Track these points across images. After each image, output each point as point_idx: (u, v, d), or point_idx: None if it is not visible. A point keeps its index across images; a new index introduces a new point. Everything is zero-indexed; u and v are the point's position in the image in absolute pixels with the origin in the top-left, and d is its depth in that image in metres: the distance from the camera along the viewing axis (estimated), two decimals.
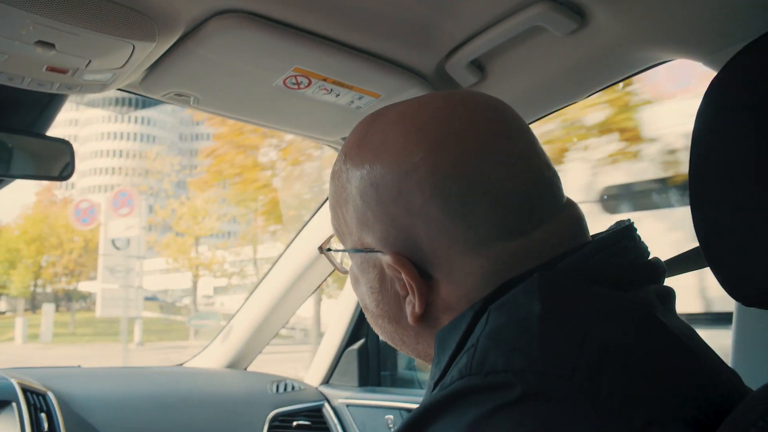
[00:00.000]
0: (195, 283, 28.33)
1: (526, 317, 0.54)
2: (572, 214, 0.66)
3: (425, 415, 0.53)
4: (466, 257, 0.62)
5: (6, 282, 33.04)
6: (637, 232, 0.65)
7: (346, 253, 0.74)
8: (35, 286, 34.04)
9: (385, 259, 0.65)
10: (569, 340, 0.51)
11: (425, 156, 0.62)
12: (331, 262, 0.83)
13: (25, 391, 1.39)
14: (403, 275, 0.63)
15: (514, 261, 0.61)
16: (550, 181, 0.65)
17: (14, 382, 1.39)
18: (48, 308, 22.66)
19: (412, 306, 0.65)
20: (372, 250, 0.67)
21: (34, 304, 35.04)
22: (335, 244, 0.79)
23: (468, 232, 0.62)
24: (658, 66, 1.12)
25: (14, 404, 1.33)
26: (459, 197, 0.61)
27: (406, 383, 2.08)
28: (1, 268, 32.17)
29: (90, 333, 24.86)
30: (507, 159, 0.63)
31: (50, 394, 1.44)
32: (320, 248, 0.81)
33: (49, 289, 35.95)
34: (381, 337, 0.75)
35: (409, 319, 0.66)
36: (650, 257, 0.65)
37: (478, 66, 1.20)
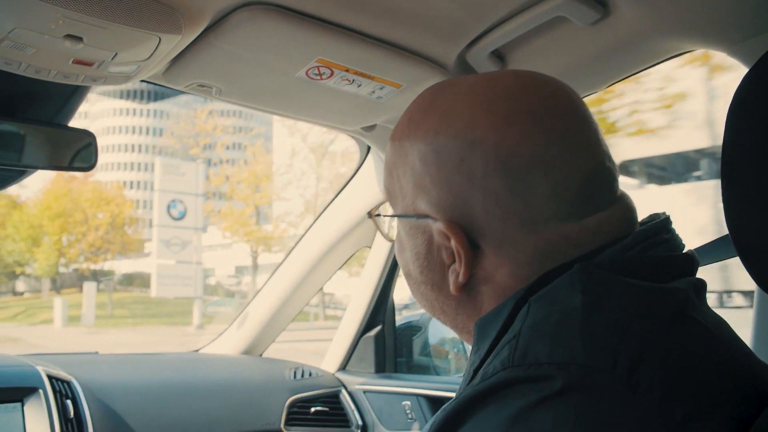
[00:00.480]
0: (255, 260, 25.62)
1: (567, 309, 0.55)
2: (625, 205, 0.67)
3: (468, 404, 0.54)
4: (519, 233, 0.63)
5: (29, 261, 31.20)
6: (673, 225, 0.66)
7: (394, 220, 0.75)
8: (61, 265, 32.11)
9: (437, 225, 0.66)
10: (610, 333, 0.52)
11: (493, 130, 0.63)
12: (378, 228, 0.84)
13: (51, 378, 1.41)
14: (453, 242, 0.65)
15: (565, 244, 0.63)
16: (610, 171, 0.66)
17: (40, 369, 1.41)
18: (89, 288, 20.63)
19: (456, 275, 0.66)
20: (425, 216, 0.68)
21: (60, 285, 33.33)
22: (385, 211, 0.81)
23: (525, 209, 0.63)
24: (681, 56, 1.12)
25: (41, 391, 1.35)
26: (521, 174, 0.62)
27: (422, 370, 2.10)
28: (23, 246, 30.48)
29: (127, 315, 23.48)
30: (573, 144, 0.64)
31: (74, 381, 1.47)
32: (369, 214, 0.84)
33: (72, 268, 34.00)
34: (421, 306, 0.76)
35: (452, 288, 0.67)
36: (685, 250, 0.66)
37: (499, 56, 1.20)
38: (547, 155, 0.63)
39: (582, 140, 0.65)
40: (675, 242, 0.65)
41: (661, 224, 0.65)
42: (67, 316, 19.77)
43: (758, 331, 1.13)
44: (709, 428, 0.49)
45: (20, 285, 36.39)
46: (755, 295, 1.16)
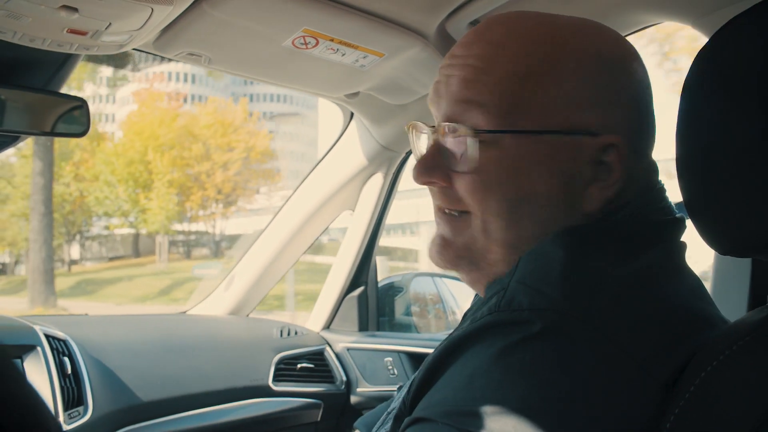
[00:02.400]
0: None
1: (549, 264, 0.63)
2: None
3: (458, 343, 0.62)
4: (640, 160, 0.71)
5: (132, 212, 21.51)
6: (666, 193, 0.74)
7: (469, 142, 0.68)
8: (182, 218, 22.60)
9: (599, 140, 0.67)
10: (586, 286, 0.60)
11: (639, 63, 0.72)
12: (440, 150, 0.72)
13: (48, 336, 1.46)
14: (621, 157, 0.67)
15: (643, 176, 0.72)
16: None
17: (37, 328, 1.46)
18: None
19: (604, 191, 0.68)
20: (579, 131, 0.67)
21: (187, 248, 24.20)
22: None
23: (646, 137, 0.72)
24: (647, 29, 1.18)
25: (39, 348, 1.41)
26: (650, 105, 0.72)
27: (403, 328, 2.18)
28: (123, 192, 20.89)
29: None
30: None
31: (70, 340, 1.52)
32: (437, 128, 0.72)
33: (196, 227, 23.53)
34: (507, 234, 0.69)
35: (594, 204, 0.68)
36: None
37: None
38: (651, 96, 0.73)
39: None
40: (670, 209, 0.73)
41: (657, 193, 0.73)
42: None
43: (716, 287, 1.21)
44: (664, 368, 0.58)
45: (111, 247, 26.21)
46: (714, 257, 1.24)
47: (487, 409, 0.55)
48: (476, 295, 0.81)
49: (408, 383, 0.75)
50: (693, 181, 0.70)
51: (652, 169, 0.74)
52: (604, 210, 0.69)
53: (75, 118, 1.32)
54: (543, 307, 0.59)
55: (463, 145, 0.69)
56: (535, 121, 0.67)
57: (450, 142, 0.71)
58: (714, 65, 0.69)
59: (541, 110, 0.67)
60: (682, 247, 0.72)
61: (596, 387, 0.55)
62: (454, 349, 0.62)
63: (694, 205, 0.70)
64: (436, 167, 0.72)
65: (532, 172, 0.67)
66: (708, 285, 1.23)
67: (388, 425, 0.79)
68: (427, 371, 0.64)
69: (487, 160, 0.68)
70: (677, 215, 0.72)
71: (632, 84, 0.70)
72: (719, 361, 0.56)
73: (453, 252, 0.74)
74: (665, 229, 0.70)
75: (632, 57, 0.71)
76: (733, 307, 1.18)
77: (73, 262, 23.96)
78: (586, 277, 0.61)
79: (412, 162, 1.39)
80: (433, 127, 0.74)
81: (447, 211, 0.74)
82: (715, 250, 0.70)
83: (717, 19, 1.07)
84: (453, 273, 2.27)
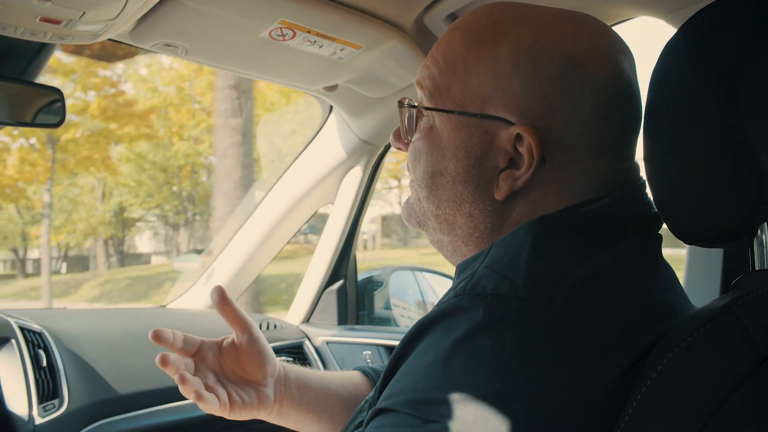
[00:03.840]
0: None
1: (518, 251, 0.63)
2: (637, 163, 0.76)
3: (422, 328, 0.62)
4: (586, 158, 0.70)
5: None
6: (647, 189, 0.74)
7: (414, 114, 0.78)
8: None
9: (511, 129, 0.68)
10: (551, 275, 0.61)
11: (594, 57, 0.69)
12: (401, 120, 0.81)
13: (22, 329, 1.45)
14: (530, 147, 0.67)
15: (609, 180, 0.71)
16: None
17: (11, 320, 1.45)
18: None
19: (512, 179, 0.69)
20: (494, 117, 0.70)
21: None
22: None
23: (598, 136, 0.70)
24: (621, 23, 1.19)
25: (13, 341, 1.39)
26: (608, 104, 0.69)
27: (382, 321, 2.19)
28: None
29: None
30: (637, 91, 0.73)
31: (46, 333, 1.51)
32: (400, 102, 0.80)
33: None
34: (431, 206, 0.77)
35: (500, 193, 0.70)
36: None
37: (455, 20, 1.26)
38: (625, 93, 0.71)
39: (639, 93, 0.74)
40: (649, 205, 0.73)
41: (638, 189, 0.73)
42: None
43: (688, 276, 1.23)
44: (625, 356, 0.59)
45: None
46: (687, 248, 1.26)
47: (448, 397, 0.55)
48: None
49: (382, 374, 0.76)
50: (660, 172, 0.71)
51: (634, 168, 0.75)
52: (575, 203, 0.70)
53: (51, 108, 1.32)
54: (505, 294, 0.59)
55: (405, 119, 0.80)
56: (456, 103, 0.72)
57: (402, 117, 0.81)
58: (681, 56, 0.70)
59: (461, 96, 0.72)
60: (658, 240, 0.72)
61: (556, 375, 0.56)
62: (416, 334, 0.63)
63: (661, 196, 0.71)
64: (400, 137, 0.83)
65: (447, 149, 0.73)
66: (681, 274, 1.25)
67: (363, 414, 0.80)
68: (394, 357, 0.65)
69: (421, 134, 0.77)
70: (655, 211, 0.73)
71: (577, 80, 0.68)
72: (680, 348, 0.57)
73: (408, 212, 0.83)
74: (639, 222, 0.71)
75: (598, 57, 0.69)
76: (705, 296, 1.19)
77: None
78: (552, 266, 0.62)
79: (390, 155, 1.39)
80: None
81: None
82: (682, 240, 0.71)
83: (689, 13, 1.08)
84: (432, 267, 2.29)
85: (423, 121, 0.77)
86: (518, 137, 0.68)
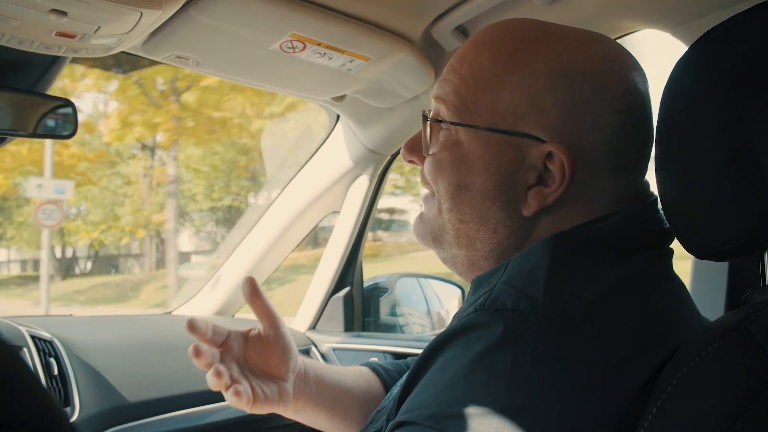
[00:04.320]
0: None
1: (536, 267, 0.64)
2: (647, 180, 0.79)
3: (442, 343, 0.63)
4: (609, 176, 0.73)
5: None
6: (659, 205, 0.76)
7: (441, 129, 0.77)
8: None
9: (544, 147, 0.70)
10: (568, 291, 0.62)
11: (622, 79, 0.72)
12: (423, 133, 0.80)
13: (34, 337, 1.46)
14: (566, 167, 0.69)
15: (623, 197, 0.73)
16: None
17: (23, 329, 1.46)
18: None
19: (542, 196, 0.71)
20: (525, 134, 0.71)
21: None
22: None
23: (620, 156, 0.72)
24: (627, 36, 1.21)
25: (26, 350, 1.41)
26: (631, 125, 0.72)
27: (388, 328, 2.19)
28: None
29: None
30: (650, 113, 0.76)
31: (56, 341, 1.52)
32: (425, 116, 0.80)
33: None
34: (454, 221, 0.76)
35: (530, 208, 0.72)
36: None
37: (463, 32, 1.28)
38: (641, 111, 0.73)
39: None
40: (660, 220, 0.75)
41: (650, 205, 0.75)
42: None
43: (694, 290, 1.24)
44: (641, 370, 0.60)
45: None
46: (692, 260, 1.27)
47: (469, 412, 0.56)
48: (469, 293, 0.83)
49: (398, 383, 0.77)
50: (671, 188, 0.72)
51: (645, 183, 0.77)
52: (589, 220, 0.71)
53: (63, 119, 1.33)
54: (525, 309, 0.60)
55: (431, 132, 0.79)
56: (484, 120, 0.73)
57: (425, 130, 0.80)
58: (693, 72, 0.72)
59: (490, 111, 0.72)
60: (669, 254, 0.74)
61: (576, 389, 0.57)
62: (437, 348, 0.64)
63: (671, 211, 0.72)
64: (414, 149, 0.83)
65: (475, 164, 0.74)
66: (687, 287, 1.26)
67: (378, 423, 0.80)
68: (413, 371, 0.65)
69: (442, 147, 0.76)
70: (666, 226, 0.74)
71: (605, 102, 0.71)
72: (695, 362, 0.58)
73: (423, 227, 0.83)
74: (651, 237, 0.72)
75: (620, 78, 0.72)
76: (711, 309, 1.21)
77: None
78: (569, 282, 0.63)
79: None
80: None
81: (426, 190, 0.82)
82: (693, 254, 0.72)
83: (695, 27, 1.10)
84: (437, 274, 2.30)
85: (443, 134, 0.77)
86: (549, 155, 0.70)
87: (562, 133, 0.70)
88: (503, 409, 0.55)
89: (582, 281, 0.63)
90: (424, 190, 0.83)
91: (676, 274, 0.73)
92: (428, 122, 0.79)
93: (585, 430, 0.56)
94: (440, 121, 0.77)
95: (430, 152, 0.79)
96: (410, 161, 0.84)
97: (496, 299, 0.62)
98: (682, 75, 0.73)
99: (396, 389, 0.82)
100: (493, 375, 0.57)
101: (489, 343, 0.59)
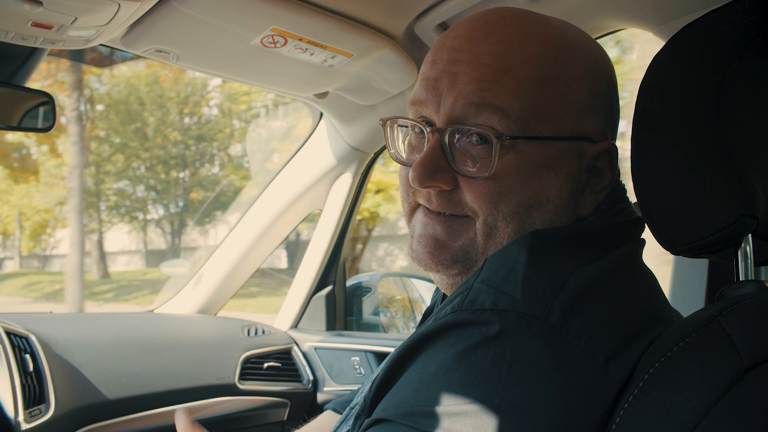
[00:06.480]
0: None
1: (514, 266, 0.63)
2: None
3: (420, 342, 0.62)
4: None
5: None
6: (627, 194, 0.77)
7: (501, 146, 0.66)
8: None
9: (599, 146, 0.71)
10: (547, 288, 0.61)
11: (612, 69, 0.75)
12: (493, 151, 0.67)
13: (9, 333, 1.44)
14: (613, 163, 0.72)
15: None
16: None
17: None
18: None
19: (593, 195, 0.73)
20: (583, 138, 0.71)
21: None
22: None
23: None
24: (609, 35, 1.21)
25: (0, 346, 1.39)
26: (617, 117, 0.76)
27: (370, 327, 2.19)
28: None
29: None
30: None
31: (32, 337, 1.50)
32: (499, 136, 0.66)
33: None
34: (508, 239, 0.68)
35: (588, 208, 0.73)
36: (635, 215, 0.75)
37: (445, 29, 1.27)
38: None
39: None
40: (631, 210, 0.75)
41: (618, 194, 0.75)
42: None
43: (674, 284, 1.25)
44: (623, 366, 0.59)
45: None
46: (673, 257, 1.27)
47: (446, 410, 0.55)
48: (435, 291, 0.82)
49: (370, 380, 0.75)
50: (646, 183, 0.72)
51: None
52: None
53: (41, 112, 1.31)
54: (504, 308, 0.59)
55: (477, 148, 0.68)
56: (550, 127, 0.67)
57: (461, 145, 0.69)
58: (668, 69, 0.72)
59: (555, 116, 0.67)
60: (641, 245, 0.73)
61: (556, 387, 0.56)
62: (415, 347, 0.62)
63: (647, 207, 0.72)
64: (439, 170, 0.69)
65: (544, 177, 0.68)
66: (668, 283, 1.27)
67: (350, 422, 0.79)
68: (388, 370, 0.64)
69: (503, 166, 0.67)
70: (636, 216, 0.74)
71: (615, 91, 0.74)
72: (667, 357, 0.58)
73: (449, 254, 0.72)
74: (626, 230, 0.72)
75: (610, 63, 0.75)
76: (690, 305, 1.21)
77: None
78: (548, 279, 0.62)
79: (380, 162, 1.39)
80: (433, 126, 0.70)
81: (441, 212, 0.72)
82: (668, 250, 0.72)
83: (677, 26, 1.09)
84: (421, 273, 2.29)
85: (499, 150, 0.66)
86: (600, 154, 0.72)
87: (603, 132, 0.72)
88: (481, 408, 0.55)
89: (561, 278, 0.62)
90: (427, 211, 0.73)
91: (647, 266, 0.73)
92: (498, 141, 0.66)
93: (565, 427, 0.56)
94: (516, 138, 0.66)
95: (480, 174, 0.67)
96: (430, 186, 0.70)
97: (475, 299, 0.61)
98: (658, 71, 0.73)
99: (366, 386, 0.80)
100: (471, 374, 0.57)
101: (469, 342, 0.58)
